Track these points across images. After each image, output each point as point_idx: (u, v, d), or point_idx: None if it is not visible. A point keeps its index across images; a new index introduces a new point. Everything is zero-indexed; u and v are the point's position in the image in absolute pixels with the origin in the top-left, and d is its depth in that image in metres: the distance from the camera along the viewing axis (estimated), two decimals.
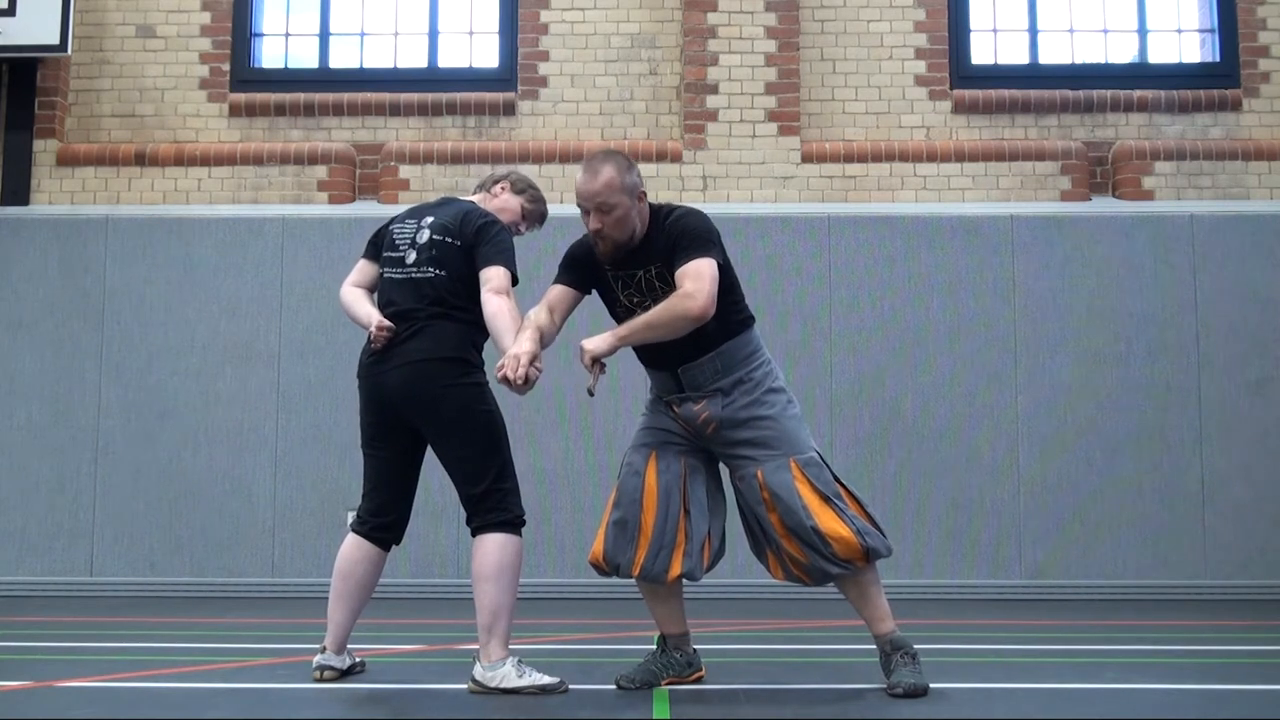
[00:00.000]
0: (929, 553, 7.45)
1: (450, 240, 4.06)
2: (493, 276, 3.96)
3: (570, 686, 3.89)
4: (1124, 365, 7.60)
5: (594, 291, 4.10)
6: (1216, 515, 7.46)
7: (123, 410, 7.65)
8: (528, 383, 3.73)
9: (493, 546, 3.88)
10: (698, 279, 3.77)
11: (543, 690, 3.83)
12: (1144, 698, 3.91)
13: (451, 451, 3.97)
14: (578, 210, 3.95)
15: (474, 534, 3.94)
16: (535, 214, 4.39)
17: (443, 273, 4.03)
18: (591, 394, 3.85)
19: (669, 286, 3.85)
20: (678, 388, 3.95)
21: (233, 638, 5.50)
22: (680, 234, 3.86)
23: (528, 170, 7.86)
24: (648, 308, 3.87)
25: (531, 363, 3.73)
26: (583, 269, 4.03)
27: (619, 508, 3.98)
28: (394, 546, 4.17)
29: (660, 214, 3.96)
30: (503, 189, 4.34)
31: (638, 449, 4.04)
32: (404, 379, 3.97)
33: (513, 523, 3.93)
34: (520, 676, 3.83)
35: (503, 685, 3.81)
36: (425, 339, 3.98)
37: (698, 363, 3.90)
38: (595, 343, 3.77)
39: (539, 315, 3.94)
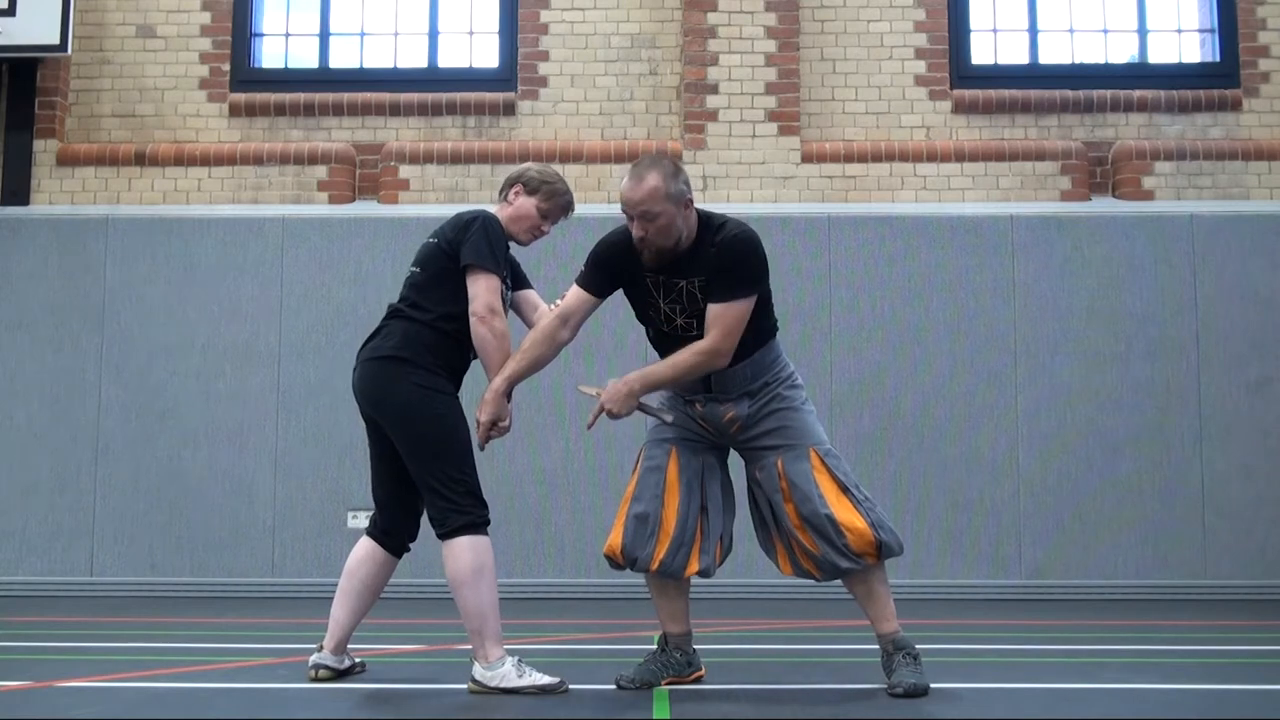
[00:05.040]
0: (929, 553, 7.44)
1: (432, 240, 4.06)
2: (473, 296, 3.90)
3: (570, 686, 3.89)
4: (1124, 365, 7.60)
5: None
6: (1216, 515, 7.46)
7: (123, 410, 7.65)
8: (490, 441, 3.91)
9: (461, 550, 3.83)
10: (725, 334, 3.79)
11: (542, 690, 3.82)
12: (1144, 698, 3.91)
13: (402, 452, 3.94)
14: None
15: (441, 540, 3.88)
16: (555, 209, 4.17)
17: (418, 269, 4.05)
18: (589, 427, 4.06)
19: (707, 300, 3.85)
20: (704, 388, 3.94)
21: (233, 638, 5.50)
22: (728, 262, 3.81)
23: None
24: (687, 318, 3.88)
25: (493, 427, 3.88)
26: (612, 270, 3.96)
27: (640, 501, 3.95)
28: (405, 554, 4.16)
29: (710, 225, 3.89)
30: (516, 193, 4.15)
31: (658, 444, 4.02)
32: (358, 379, 4.03)
33: (476, 523, 3.86)
34: (520, 676, 3.82)
35: (503, 685, 3.80)
36: (377, 339, 4.03)
37: (730, 370, 3.89)
38: (618, 405, 3.87)
39: (540, 338, 3.92)
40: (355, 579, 4.08)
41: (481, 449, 3.91)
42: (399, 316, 4.01)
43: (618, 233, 4.00)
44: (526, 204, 4.13)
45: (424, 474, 3.89)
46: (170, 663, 4.53)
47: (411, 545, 4.19)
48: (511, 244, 4.16)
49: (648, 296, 3.95)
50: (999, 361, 7.63)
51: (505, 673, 3.82)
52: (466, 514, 3.85)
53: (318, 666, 4.07)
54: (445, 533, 3.86)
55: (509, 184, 4.19)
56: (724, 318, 3.80)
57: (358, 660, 4.23)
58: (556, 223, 4.23)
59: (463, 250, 3.93)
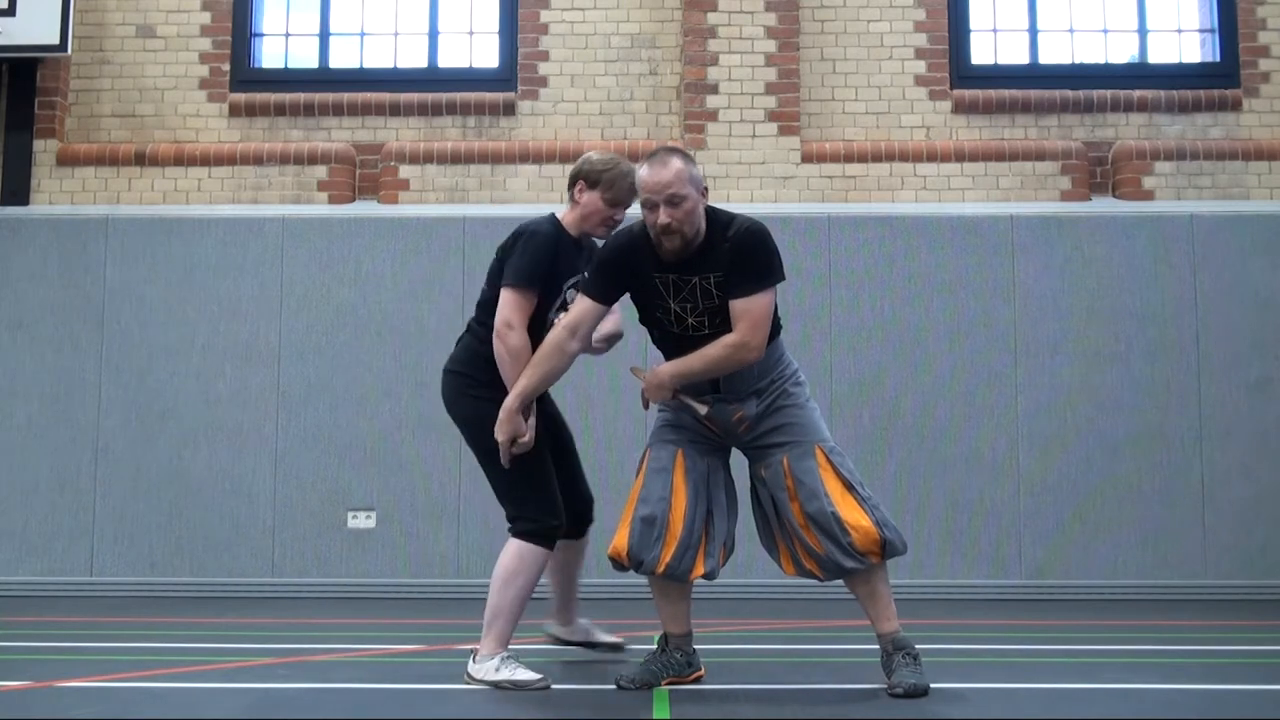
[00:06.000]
0: (929, 553, 7.44)
1: (497, 258, 4.17)
2: (498, 309, 4.01)
3: (570, 687, 3.90)
4: (1124, 365, 7.60)
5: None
6: (1216, 515, 7.46)
7: (123, 410, 7.64)
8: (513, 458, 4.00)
9: (512, 551, 4.00)
10: (753, 328, 3.81)
11: (516, 686, 3.88)
12: (1144, 698, 3.91)
13: (475, 457, 4.17)
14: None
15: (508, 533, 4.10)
16: (621, 194, 4.12)
17: (486, 287, 4.19)
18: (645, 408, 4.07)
19: (723, 296, 3.84)
20: (713, 389, 3.93)
21: (233, 638, 5.50)
22: (746, 255, 3.82)
23: (527, 171, 7.88)
24: (699, 316, 3.87)
25: (512, 444, 3.93)
26: (620, 274, 3.94)
27: (646, 504, 3.94)
28: (590, 527, 4.44)
29: (720, 221, 3.89)
30: (580, 191, 4.14)
31: (663, 445, 4.01)
32: (441, 388, 4.24)
33: (530, 532, 3.98)
34: (496, 671, 3.92)
35: (481, 678, 3.93)
36: (454, 350, 4.24)
37: (739, 371, 3.90)
38: (652, 393, 3.93)
39: (550, 350, 3.93)
40: (553, 559, 4.22)
41: (506, 467, 3.97)
42: (469, 332, 4.21)
43: (621, 236, 3.99)
44: (592, 199, 4.14)
45: (490, 480, 4.09)
46: (170, 663, 4.53)
47: (592, 521, 4.42)
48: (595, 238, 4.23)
49: (657, 298, 3.92)
50: (999, 361, 7.63)
51: (487, 667, 3.93)
52: (526, 521, 4.00)
53: (545, 632, 4.45)
54: (509, 530, 4.05)
55: (572, 181, 4.19)
56: (750, 311, 3.81)
57: (604, 639, 4.52)
58: (629, 206, 4.15)
59: (505, 268, 4.05)
